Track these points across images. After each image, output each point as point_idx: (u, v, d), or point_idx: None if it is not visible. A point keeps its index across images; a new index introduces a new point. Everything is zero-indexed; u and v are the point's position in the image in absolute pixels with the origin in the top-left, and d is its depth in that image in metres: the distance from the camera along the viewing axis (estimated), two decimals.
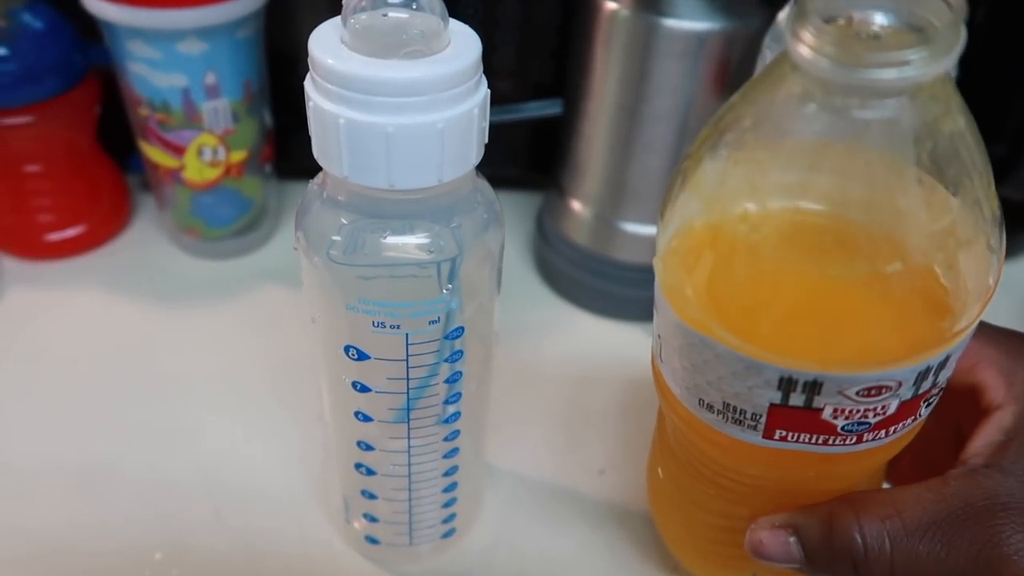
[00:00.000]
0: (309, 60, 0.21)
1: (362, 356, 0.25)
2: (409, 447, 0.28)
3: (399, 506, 0.30)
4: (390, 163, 0.21)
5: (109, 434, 0.38)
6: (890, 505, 0.22)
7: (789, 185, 0.19)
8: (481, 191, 0.25)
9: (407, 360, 0.25)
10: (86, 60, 0.43)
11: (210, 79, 0.40)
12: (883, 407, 0.20)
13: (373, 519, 0.31)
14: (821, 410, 0.21)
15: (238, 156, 0.44)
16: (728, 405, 0.22)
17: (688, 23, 0.36)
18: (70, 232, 0.47)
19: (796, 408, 0.21)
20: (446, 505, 0.31)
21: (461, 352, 0.26)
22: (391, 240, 0.23)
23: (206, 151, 0.42)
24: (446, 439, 0.29)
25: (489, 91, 0.23)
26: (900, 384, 0.20)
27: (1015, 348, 0.24)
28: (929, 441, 0.25)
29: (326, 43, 0.21)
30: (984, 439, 0.23)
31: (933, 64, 0.16)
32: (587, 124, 0.42)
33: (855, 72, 0.16)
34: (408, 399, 0.26)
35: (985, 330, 0.24)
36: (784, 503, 0.24)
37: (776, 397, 0.21)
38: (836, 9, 0.17)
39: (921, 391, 0.21)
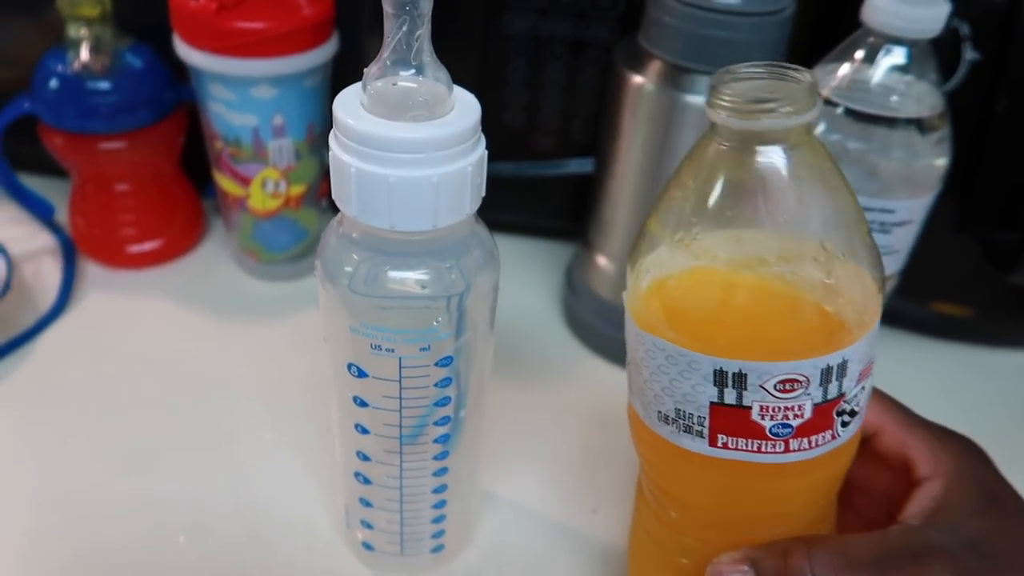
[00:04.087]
0: (333, 118, 0.25)
1: (362, 374, 0.29)
2: (401, 461, 0.31)
3: (392, 516, 0.33)
4: (391, 208, 0.25)
5: (156, 427, 0.42)
6: (839, 545, 0.26)
7: (725, 241, 0.25)
8: (478, 236, 0.28)
9: (400, 381, 0.28)
10: (176, 96, 0.49)
11: (278, 120, 0.45)
12: (799, 407, 0.24)
13: (369, 526, 0.34)
14: (750, 409, 0.24)
15: (298, 190, 0.48)
16: (679, 411, 0.25)
17: None
18: (148, 246, 0.52)
19: (731, 407, 0.25)
20: (436, 521, 0.34)
21: (450, 379, 0.29)
22: (393, 274, 0.27)
23: (269, 183, 0.47)
24: (436, 458, 0.32)
25: (487, 152, 0.26)
26: (808, 381, 0.24)
27: (941, 435, 0.29)
28: (871, 509, 0.30)
29: (347, 104, 0.25)
30: (917, 505, 0.26)
31: (796, 119, 0.23)
32: (614, 184, 0.45)
33: (746, 122, 0.23)
34: (401, 417, 0.30)
35: (916, 420, 0.29)
36: (742, 540, 0.27)
37: (714, 394, 0.24)
38: (737, 90, 0.23)
39: (829, 397, 0.25)
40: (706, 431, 0.25)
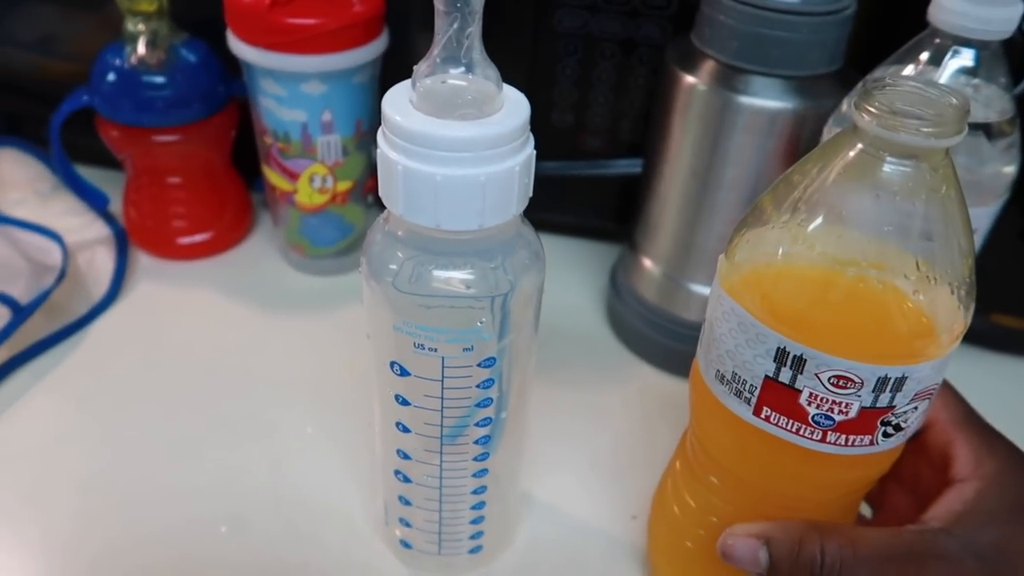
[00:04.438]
0: (382, 115, 0.25)
1: (404, 372, 0.28)
2: (441, 461, 0.31)
3: (431, 515, 0.33)
4: (437, 207, 0.25)
5: (199, 420, 0.43)
6: (849, 537, 0.26)
7: (826, 233, 0.25)
8: (524, 236, 0.28)
9: (442, 381, 0.28)
10: (228, 91, 0.49)
11: (326, 116, 0.45)
12: (846, 405, 0.25)
13: (408, 524, 0.34)
14: (800, 392, 0.25)
15: (344, 185, 0.49)
16: (735, 375, 0.27)
17: (761, 101, 0.38)
18: (198, 238, 0.53)
19: (782, 386, 0.26)
20: (474, 522, 0.34)
21: (493, 380, 0.29)
22: (437, 273, 0.27)
23: (316, 179, 0.48)
24: (476, 459, 0.31)
25: (535, 151, 0.26)
26: (862, 384, 0.24)
27: (991, 438, 0.28)
28: (907, 501, 0.31)
29: (397, 102, 0.25)
30: (945, 506, 0.27)
31: (935, 141, 0.23)
32: (662, 186, 0.44)
33: (887, 132, 0.23)
34: (442, 416, 0.29)
35: (971, 419, 0.29)
36: (766, 512, 0.29)
37: (771, 369, 0.25)
38: (889, 98, 0.23)
39: (878, 405, 0.25)
40: (754, 400, 0.26)
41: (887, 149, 0.23)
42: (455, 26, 0.24)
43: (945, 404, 0.29)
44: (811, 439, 0.26)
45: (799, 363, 0.25)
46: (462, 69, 0.24)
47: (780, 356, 0.25)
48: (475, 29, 0.24)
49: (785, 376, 0.25)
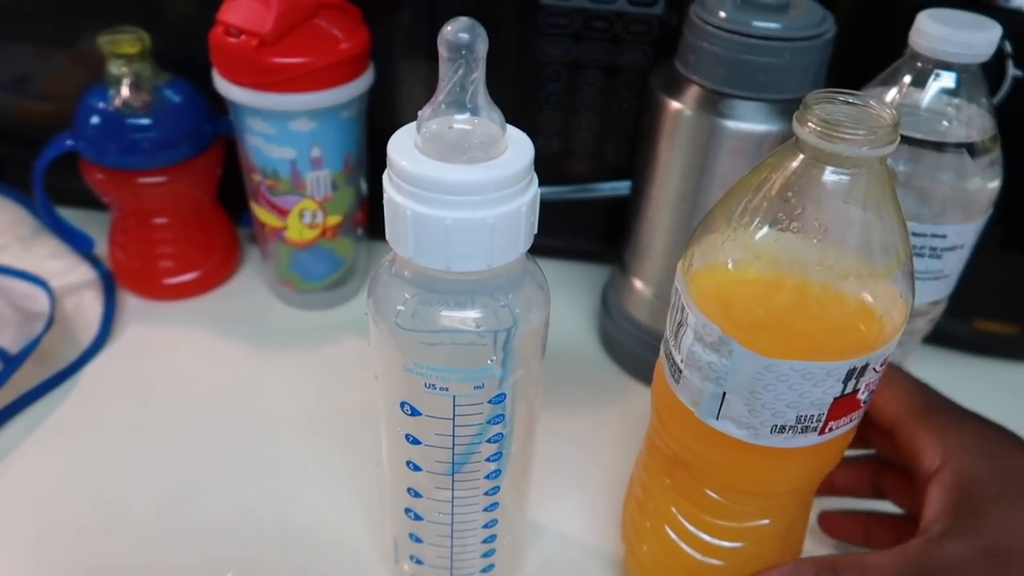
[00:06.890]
0: (387, 160, 0.25)
1: (415, 412, 0.29)
2: (453, 498, 0.31)
3: (442, 551, 0.33)
4: (448, 249, 0.25)
5: (199, 461, 0.42)
6: (859, 566, 0.28)
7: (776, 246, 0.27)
8: (531, 273, 0.28)
9: (454, 419, 0.28)
10: (214, 130, 0.49)
11: (315, 152, 0.45)
12: (873, 382, 0.28)
13: (419, 561, 0.34)
14: (858, 391, 0.27)
15: (334, 220, 0.49)
16: (799, 417, 0.27)
17: (747, 125, 0.39)
18: (186, 277, 0.52)
19: (847, 396, 0.27)
20: (485, 555, 0.34)
21: (503, 416, 0.29)
22: (446, 313, 0.27)
23: (307, 214, 0.48)
24: (487, 493, 0.31)
25: (539, 190, 0.26)
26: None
27: (958, 417, 0.29)
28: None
29: (402, 146, 0.25)
30: (936, 504, 0.27)
31: (872, 150, 0.24)
32: (651, 209, 0.45)
33: (825, 143, 0.25)
34: (453, 454, 0.29)
35: (933, 406, 0.30)
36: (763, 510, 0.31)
37: (838, 390, 0.27)
38: (827, 112, 0.25)
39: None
40: (820, 425, 0.28)
41: (827, 159, 0.25)
42: (460, 72, 0.24)
43: (901, 397, 0.30)
44: (858, 420, 0.29)
45: (863, 371, 0.27)
46: (467, 114, 0.25)
47: (849, 375, 0.26)
48: (479, 75, 0.24)
49: (850, 387, 0.27)
